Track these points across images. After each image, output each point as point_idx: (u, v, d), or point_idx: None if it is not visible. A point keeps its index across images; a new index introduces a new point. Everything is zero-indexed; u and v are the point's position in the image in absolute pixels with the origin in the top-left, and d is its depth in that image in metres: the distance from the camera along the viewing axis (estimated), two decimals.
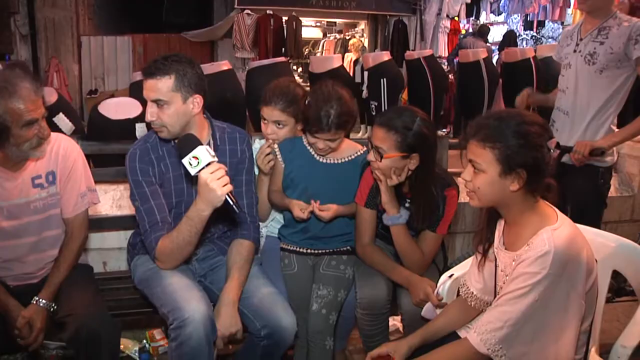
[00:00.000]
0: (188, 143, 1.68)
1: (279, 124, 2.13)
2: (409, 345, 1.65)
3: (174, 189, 2.00)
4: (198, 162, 1.63)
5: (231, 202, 1.66)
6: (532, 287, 1.34)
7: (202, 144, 1.67)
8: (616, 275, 1.82)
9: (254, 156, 2.15)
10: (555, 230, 1.37)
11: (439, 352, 1.53)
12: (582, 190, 2.42)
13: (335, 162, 2.11)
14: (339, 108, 1.97)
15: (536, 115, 1.47)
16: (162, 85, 1.81)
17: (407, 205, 1.97)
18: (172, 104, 1.83)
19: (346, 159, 2.12)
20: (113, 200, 2.55)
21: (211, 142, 2.00)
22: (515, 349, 1.37)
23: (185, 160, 1.64)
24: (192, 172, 1.65)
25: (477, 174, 1.45)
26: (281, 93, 2.11)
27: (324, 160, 2.10)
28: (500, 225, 1.57)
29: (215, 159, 1.67)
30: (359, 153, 2.12)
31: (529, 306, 1.35)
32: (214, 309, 1.88)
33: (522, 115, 1.43)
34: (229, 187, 1.66)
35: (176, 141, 1.73)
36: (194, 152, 1.63)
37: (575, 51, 2.45)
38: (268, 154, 2.12)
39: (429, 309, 1.87)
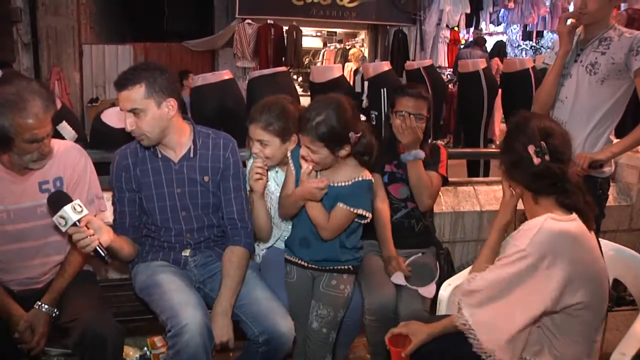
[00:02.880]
0: (57, 202, 1.70)
1: (261, 143, 2.09)
2: (429, 333, 1.68)
3: (155, 194, 2.03)
4: (65, 222, 1.67)
5: (101, 254, 1.73)
6: (511, 259, 1.44)
7: (68, 201, 1.69)
8: (617, 285, 1.84)
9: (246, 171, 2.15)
10: (554, 219, 1.45)
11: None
12: None
13: (334, 184, 1.98)
14: (330, 116, 1.85)
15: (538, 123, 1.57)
16: (134, 95, 1.86)
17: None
18: (147, 111, 1.88)
19: (347, 182, 1.97)
20: None
21: (191, 147, 2.03)
22: (475, 312, 1.48)
23: (54, 219, 1.68)
24: (62, 230, 1.70)
25: None
26: (264, 110, 2.08)
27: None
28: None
29: (82, 215, 1.69)
30: (359, 178, 1.97)
31: (504, 278, 1.45)
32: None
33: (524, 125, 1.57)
34: (91, 247, 1.71)
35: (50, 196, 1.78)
36: (60, 213, 1.67)
37: (576, 61, 2.45)
38: (258, 172, 2.07)
39: (397, 276, 2.13)
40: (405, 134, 2.25)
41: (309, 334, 2.03)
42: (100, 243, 1.71)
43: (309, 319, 2.05)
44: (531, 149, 1.51)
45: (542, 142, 1.51)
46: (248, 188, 2.16)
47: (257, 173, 2.07)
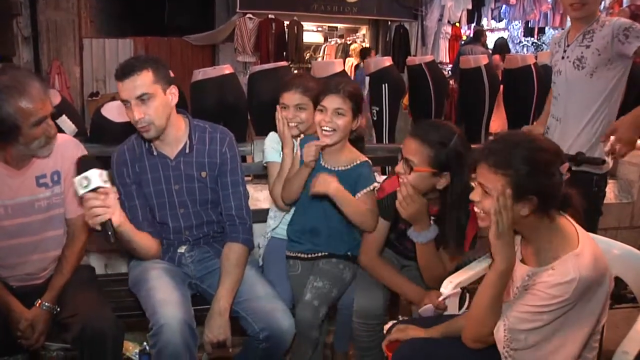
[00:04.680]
0: (86, 164, 1.71)
1: (299, 108, 2.19)
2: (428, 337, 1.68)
3: (153, 190, 2.02)
4: (87, 185, 1.66)
5: (108, 230, 1.70)
6: (553, 308, 1.37)
7: (99, 169, 1.69)
8: (617, 282, 1.83)
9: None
10: (578, 256, 1.38)
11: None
12: None
13: (335, 168, 2.07)
14: (352, 83, 2.06)
15: (548, 140, 1.49)
16: (143, 80, 1.83)
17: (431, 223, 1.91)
18: (156, 96, 1.86)
19: (347, 167, 2.07)
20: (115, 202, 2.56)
21: (187, 142, 2.01)
22: (520, 352, 1.42)
23: (77, 179, 1.68)
24: (79, 192, 1.68)
25: (486, 197, 1.45)
26: (299, 79, 2.24)
27: (327, 166, 2.08)
28: (517, 238, 1.57)
29: (105, 185, 1.68)
30: (358, 162, 2.07)
31: (545, 323, 1.39)
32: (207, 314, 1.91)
33: (534, 141, 1.44)
34: (102, 219, 1.68)
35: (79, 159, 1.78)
36: (86, 174, 1.67)
37: (563, 58, 2.45)
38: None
39: (427, 310, 1.88)
40: (404, 205, 1.79)
41: (300, 308, 1.98)
42: (111, 219, 1.69)
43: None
44: (565, 167, 1.41)
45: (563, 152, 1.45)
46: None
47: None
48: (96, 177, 1.66)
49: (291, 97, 2.19)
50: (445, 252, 1.93)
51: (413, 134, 1.81)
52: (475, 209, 1.52)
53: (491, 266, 1.48)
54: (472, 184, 1.59)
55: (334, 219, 2.06)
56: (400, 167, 1.82)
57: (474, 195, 1.49)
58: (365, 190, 2.03)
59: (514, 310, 1.44)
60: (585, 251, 1.40)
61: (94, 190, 1.66)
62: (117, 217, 1.73)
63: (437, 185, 1.81)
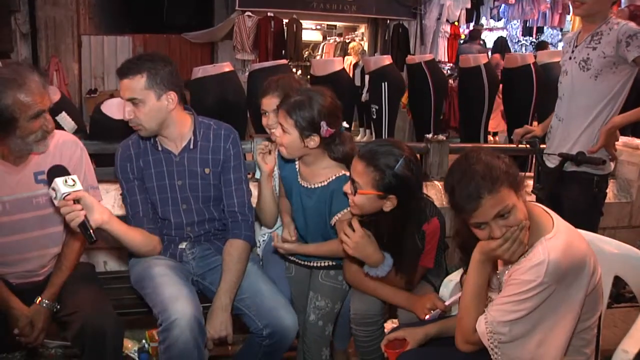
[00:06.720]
0: (53, 174, 1.72)
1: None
2: (426, 334, 1.70)
3: (156, 186, 2.02)
4: (56, 194, 1.68)
5: (85, 231, 1.69)
6: (530, 294, 1.39)
7: (63, 175, 1.70)
8: (616, 282, 1.84)
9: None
10: (549, 239, 1.42)
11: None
12: (576, 198, 2.41)
13: (311, 186, 1.96)
14: (310, 99, 1.83)
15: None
16: (134, 84, 1.85)
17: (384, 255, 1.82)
18: (146, 102, 1.87)
19: (323, 183, 1.93)
20: (115, 199, 2.55)
21: (192, 138, 2.01)
22: (506, 345, 1.43)
23: (49, 190, 1.71)
24: (55, 203, 1.71)
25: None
26: (276, 82, 2.12)
27: (303, 184, 1.98)
28: None
29: (72, 189, 1.68)
30: (334, 177, 1.91)
31: (527, 311, 1.40)
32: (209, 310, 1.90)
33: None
34: (76, 222, 1.67)
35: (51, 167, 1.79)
36: (52, 185, 1.69)
37: (570, 58, 2.45)
38: (262, 150, 2.11)
39: (435, 314, 1.84)
40: (356, 247, 1.75)
41: (306, 328, 2.02)
42: (86, 220, 1.68)
43: (306, 311, 2.04)
44: None
45: None
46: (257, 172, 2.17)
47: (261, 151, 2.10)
48: (60, 185, 1.67)
49: (269, 102, 2.09)
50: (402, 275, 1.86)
51: (360, 155, 1.74)
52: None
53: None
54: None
55: (317, 235, 2.00)
56: (347, 187, 1.76)
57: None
58: (340, 215, 1.88)
59: (494, 304, 1.46)
60: (558, 236, 1.43)
61: (64, 197, 1.67)
62: (97, 215, 1.72)
63: (384, 208, 1.73)
